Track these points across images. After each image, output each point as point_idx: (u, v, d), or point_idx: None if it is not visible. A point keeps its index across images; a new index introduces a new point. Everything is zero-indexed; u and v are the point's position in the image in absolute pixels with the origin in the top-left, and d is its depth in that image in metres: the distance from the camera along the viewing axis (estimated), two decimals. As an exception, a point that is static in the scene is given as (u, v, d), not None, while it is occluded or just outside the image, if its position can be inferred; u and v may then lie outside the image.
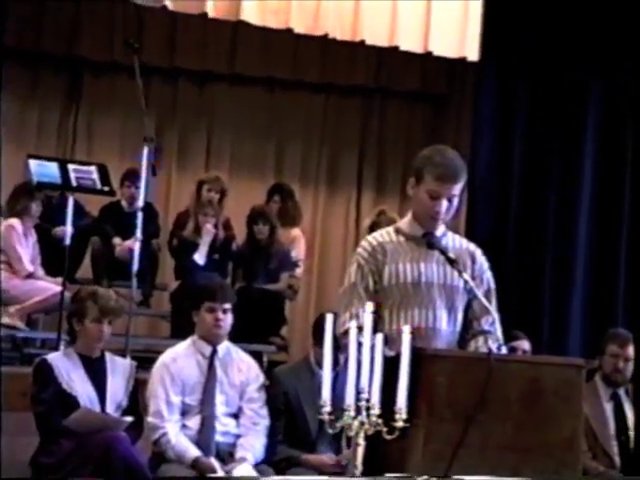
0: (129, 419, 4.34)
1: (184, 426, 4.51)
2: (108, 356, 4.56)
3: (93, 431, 4.22)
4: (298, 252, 7.26)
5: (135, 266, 5.78)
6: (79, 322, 4.45)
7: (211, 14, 7.11)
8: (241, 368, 4.68)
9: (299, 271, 7.24)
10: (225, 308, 4.64)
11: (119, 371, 4.51)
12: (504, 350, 3.28)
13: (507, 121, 6.65)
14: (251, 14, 7.10)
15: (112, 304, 4.50)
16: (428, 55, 7.47)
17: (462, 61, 7.45)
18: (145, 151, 5.82)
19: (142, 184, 5.97)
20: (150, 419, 4.50)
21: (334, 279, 7.85)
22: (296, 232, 7.38)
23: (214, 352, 4.65)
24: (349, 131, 8.64)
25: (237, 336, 4.92)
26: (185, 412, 4.54)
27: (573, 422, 3.04)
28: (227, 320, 4.66)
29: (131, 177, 6.87)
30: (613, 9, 6.54)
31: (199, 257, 6.66)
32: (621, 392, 5.16)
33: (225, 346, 4.70)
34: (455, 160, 3.42)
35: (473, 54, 6.96)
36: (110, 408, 4.40)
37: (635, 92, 6.72)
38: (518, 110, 6.65)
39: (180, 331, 5.86)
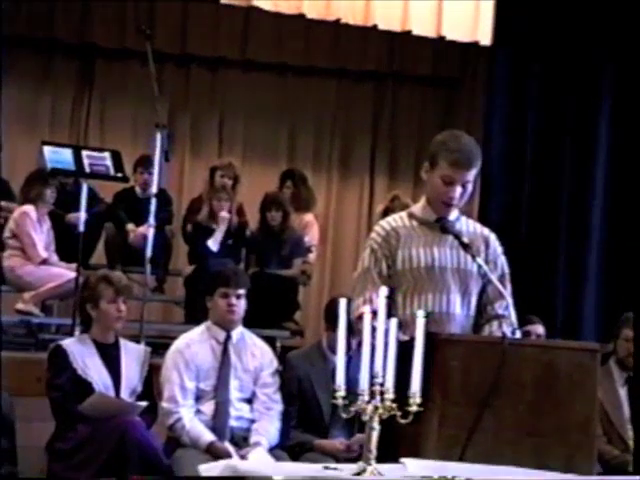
0: (144, 404, 4.36)
1: (198, 411, 4.52)
2: (122, 342, 4.58)
3: (108, 416, 4.24)
4: (311, 237, 7.27)
5: (149, 252, 5.80)
6: (94, 307, 4.47)
7: (223, 0, 7.09)
8: (255, 353, 4.68)
9: (312, 256, 7.24)
10: (239, 294, 4.65)
11: (133, 357, 4.53)
12: (518, 334, 3.28)
13: (520, 105, 6.62)
14: (263, 0, 7.09)
15: (125, 282, 4.55)
16: (440, 40, 7.45)
17: (475, 45, 7.42)
18: (158, 137, 5.83)
19: (155, 170, 5.98)
20: (164, 404, 4.51)
21: (347, 264, 7.86)
22: (309, 217, 7.38)
23: (228, 338, 4.65)
24: (361, 116, 8.63)
25: (251, 321, 4.93)
26: (199, 397, 4.54)
27: (588, 406, 3.04)
28: (241, 306, 4.66)
29: (144, 163, 6.88)
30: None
31: (213, 243, 6.67)
32: (636, 376, 5.15)
33: (239, 331, 4.70)
34: (470, 146, 3.42)
35: (486, 39, 6.94)
36: (125, 394, 4.42)
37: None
38: (531, 94, 6.62)
39: (194, 317, 5.88)
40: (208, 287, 4.77)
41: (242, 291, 4.67)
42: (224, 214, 6.67)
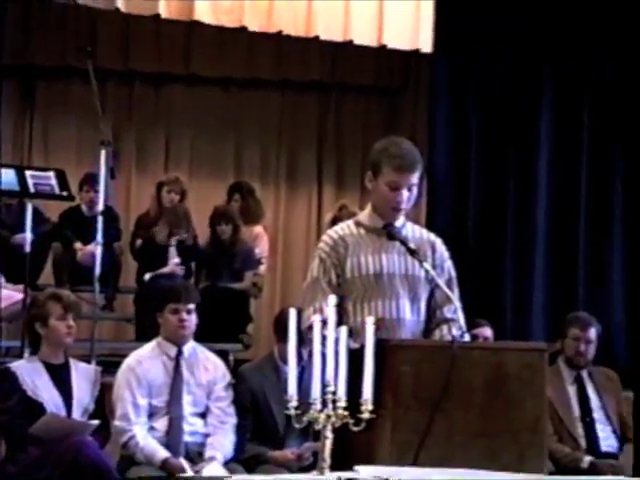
0: (96, 422, 4.33)
1: (152, 428, 4.50)
2: (72, 362, 4.54)
3: (60, 437, 4.19)
4: (261, 249, 7.26)
5: (97, 270, 5.75)
6: (43, 325, 4.43)
7: (164, 15, 7.07)
8: (207, 367, 4.67)
9: (263, 268, 7.24)
10: (189, 309, 4.64)
11: (84, 376, 4.49)
12: (467, 337, 3.31)
13: (463, 111, 6.70)
14: (204, 14, 7.08)
15: (73, 299, 4.52)
16: (382, 49, 7.49)
17: (416, 53, 7.48)
18: (102, 155, 5.79)
19: (101, 188, 5.94)
20: (117, 422, 4.48)
21: (298, 275, 7.86)
22: (258, 229, 7.37)
23: (180, 353, 4.64)
24: (307, 127, 8.65)
25: (203, 336, 4.92)
26: (152, 414, 4.52)
27: (537, 406, 3.06)
28: (192, 320, 4.65)
29: (90, 181, 6.83)
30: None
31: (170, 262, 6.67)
32: (584, 374, 5.20)
33: (191, 346, 4.69)
34: (411, 149, 3.45)
35: (427, 46, 6.99)
36: (76, 413, 4.38)
37: (588, 77, 6.80)
38: (473, 100, 6.70)
39: (144, 333, 5.85)
40: (158, 303, 4.75)
41: (192, 306, 4.66)
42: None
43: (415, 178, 3.42)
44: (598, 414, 5.09)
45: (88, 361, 5.01)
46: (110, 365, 5.11)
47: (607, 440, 5.07)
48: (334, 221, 6.04)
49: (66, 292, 4.68)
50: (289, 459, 4.55)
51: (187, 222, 6.84)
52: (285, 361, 4.17)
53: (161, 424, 4.50)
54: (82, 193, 6.97)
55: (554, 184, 6.75)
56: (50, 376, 4.41)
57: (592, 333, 5.21)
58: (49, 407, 4.32)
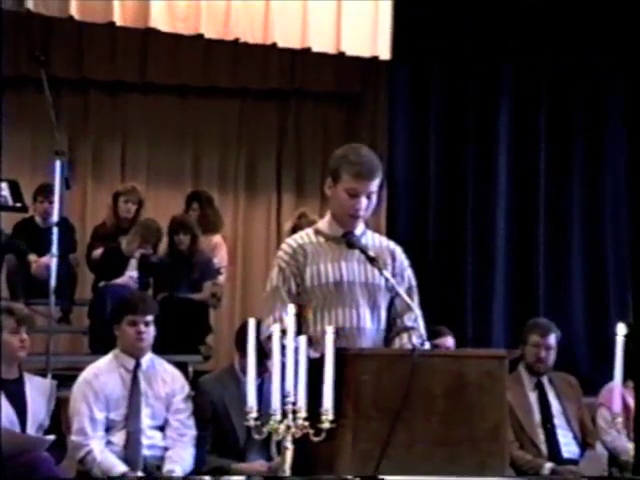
0: (51, 437, 4.25)
1: (109, 442, 4.44)
2: (27, 376, 4.46)
3: (15, 453, 4.11)
4: (220, 259, 7.20)
5: (52, 282, 5.65)
6: (-5, 340, 4.34)
7: (119, 22, 6.99)
8: (166, 380, 4.62)
9: (222, 278, 7.17)
10: (147, 320, 4.59)
11: (39, 391, 4.42)
12: (427, 346, 3.29)
13: (422, 117, 6.70)
14: (160, 21, 7.01)
15: (26, 312, 4.45)
16: (341, 55, 7.48)
17: (375, 60, 7.47)
18: (57, 165, 5.69)
19: (56, 199, 5.84)
20: (74, 437, 4.41)
21: (258, 284, 7.80)
22: (217, 239, 7.31)
23: (137, 365, 4.59)
24: (266, 135, 8.61)
25: (161, 348, 4.85)
26: (110, 428, 4.47)
27: (497, 413, 3.05)
28: (149, 332, 4.60)
29: (44, 192, 6.72)
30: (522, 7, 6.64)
31: (130, 273, 6.60)
32: (545, 380, 5.21)
33: (149, 358, 4.63)
34: (370, 157, 3.44)
35: (385, 53, 6.99)
36: (31, 429, 4.30)
37: (545, 78, 6.84)
38: (432, 106, 6.70)
39: (99, 345, 5.77)
40: (115, 315, 4.69)
41: (150, 318, 4.60)
42: (132, 274, 6.58)
43: (374, 186, 3.42)
44: (559, 420, 5.10)
45: (44, 375, 4.92)
46: (66, 379, 5.02)
47: (568, 446, 5.08)
48: (294, 229, 6.00)
49: (19, 305, 4.62)
50: (258, 471, 4.50)
51: (157, 238, 6.78)
52: (246, 372, 4.11)
53: (119, 438, 4.45)
54: (36, 204, 6.86)
55: (514, 190, 6.77)
56: (4, 392, 4.32)
57: (552, 339, 5.22)
58: (3, 423, 4.23)
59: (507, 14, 6.66)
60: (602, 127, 6.94)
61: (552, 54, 6.81)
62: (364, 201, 3.40)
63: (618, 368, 3.17)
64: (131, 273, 6.62)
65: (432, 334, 4.84)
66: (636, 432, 3.68)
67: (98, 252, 6.88)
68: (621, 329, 3.17)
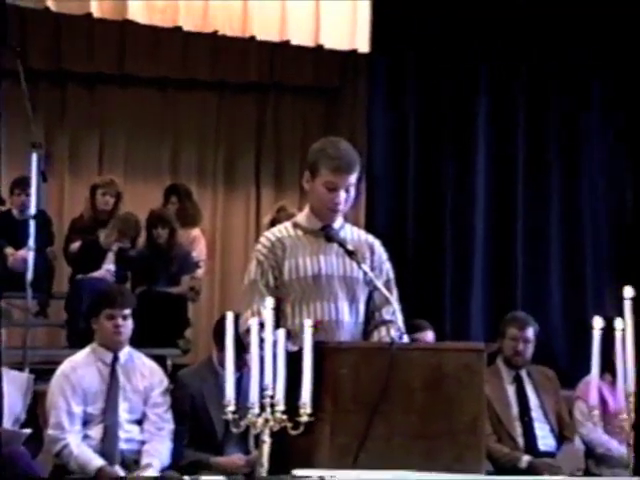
0: (27, 431, 4.23)
1: (86, 436, 4.42)
2: (3, 370, 4.41)
3: (-10, 447, 4.07)
4: (199, 252, 7.18)
5: (29, 276, 5.61)
6: (-29, 335, 4.31)
7: (96, 14, 6.95)
8: (144, 373, 4.61)
9: (200, 272, 7.15)
10: (125, 314, 4.57)
11: (16, 385, 4.39)
12: (405, 339, 3.28)
13: (400, 110, 6.71)
14: (138, 13, 6.98)
15: (3, 306, 4.40)
16: (320, 48, 7.46)
17: (353, 53, 7.46)
18: (34, 157, 5.65)
19: (33, 191, 5.80)
20: (50, 431, 4.39)
21: (237, 278, 7.77)
22: (196, 232, 7.29)
23: (115, 359, 4.57)
24: (245, 128, 8.57)
25: (140, 341, 4.83)
26: (87, 422, 4.45)
27: (475, 406, 3.05)
28: (127, 326, 4.58)
29: (21, 185, 6.67)
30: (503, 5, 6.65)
31: (108, 266, 6.57)
32: (523, 374, 5.23)
33: (127, 352, 4.62)
34: (348, 150, 3.44)
35: (364, 46, 6.99)
36: (7, 423, 4.27)
37: (523, 77, 6.86)
38: (411, 99, 6.71)
39: (76, 339, 5.74)
40: (93, 308, 4.67)
41: (128, 311, 4.58)
42: (109, 267, 6.54)
43: (353, 179, 3.41)
44: (536, 413, 5.11)
45: (21, 369, 4.88)
46: (44, 373, 4.99)
47: (545, 439, 5.09)
48: (273, 223, 5.99)
49: None
50: (237, 464, 4.50)
51: (136, 232, 6.75)
52: (224, 366, 4.10)
53: (96, 432, 4.43)
54: (13, 197, 6.81)
55: (492, 184, 6.79)
56: (-21, 385, 4.28)
57: (530, 332, 5.23)
58: (-22, 417, 4.20)
59: (487, 10, 6.67)
60: (579, 125, 6.97)
61: (530, 54, 6.84)
62: (343, 195, 3.40)
63: (595, 361, 3.18)
64: (108, 266, 6.59)
65: (412, 328, 4.86)
66: (636, 433, 3.70)
67: (76, 245, 6.84)
68: (598, 322, 3.19)
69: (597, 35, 6.77)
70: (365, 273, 3.38)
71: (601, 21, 6.65)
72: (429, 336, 5.14)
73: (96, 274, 6.55)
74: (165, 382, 4.66)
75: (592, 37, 6.78)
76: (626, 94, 6.97)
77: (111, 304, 4.56)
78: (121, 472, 4.31)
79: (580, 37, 6.78)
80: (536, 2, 6.68)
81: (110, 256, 6.62)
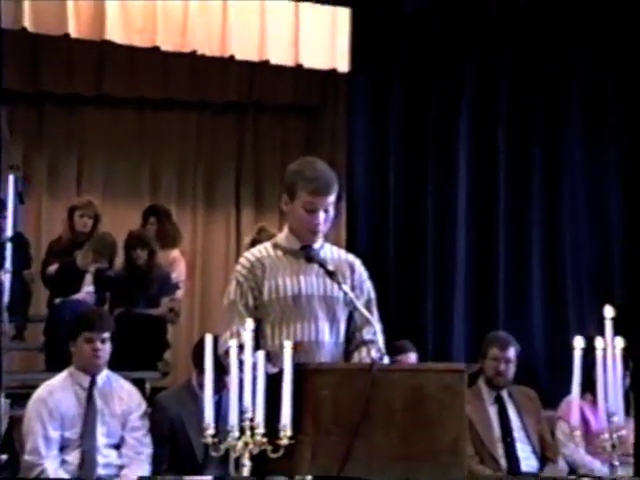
0: (3, 457, 4.14)
1: (64, 461, 4.37)
2: (-22, 395, 4.35)
3: (-35, 474, 4.00)
4: (178, 274, 7.13)
5: (6, 299, 5.54)
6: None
7: (74, 34, 6.91)
8: (122, 397, 4.57)
9: (180, 293, 7.10)
10: (103, 337, 4.54)
11: (-10, 409, 4.31)
12: (386, 360, 3.26)
13: (381, 130, 6.69)
14: (115, 33, 6.94)
15: None
16: (299, 68, 7.45)
17: (333, 72, 7.46)
18: (11, 179, 5.60)
19: (9, 214, 5.74)
20: (27, 457, 4.34)
21: (217, 299, 7.70)
22: (175, 254, 7.24)
23: (93, 383, 4.52)
24: (224, 148, 8.56)
25: (118, 364, 4.78)
26: (64, 447, 4.40)
27: (456, 427, 3.03)
28: (106, 350, 4.54)
29: (-3, 207, 6.61)
30: (480, 18, 6.67)
31: (87, 288, 6.52)
32: (504, 394, 5.20)
33: (104, 375, 4.58)
34: (326, 171, 3.43)
35: (343, 65, 6.98)
36: (-18, 449, 4.19)
37: (505, 95, 6.87)
38: (391, 118, 6.69)
39: (55, 363, 5.67)
40: (71, 332, 4.62)
41: (107, 335, 4.55)
42: (89, 289, 6.50)
43: (331, 199, 3.40)
44: (518, 434, 5.09)
45: (-3, 394, 4.80)
46: (21, 397, 4.92)
47: (527, 460, 5.07)
48: (253, 244, 5.94)
49: None
50: None
51: (112, 252, 6.70)
52: (203, 389, 4.06)
53: (73, 457, 4.39)
54: (-11, 219, 6.75)
55: (474, 204, 6.77)
56: (-46, 410, 4.21)
57: (511, 353, 5.22)
58: (-48, 442, 4.13)
59: (466, 28, 6.69)
60: (561, 135, 6.97)
61: (513, 63, 6.85)
62: (322, 215, 3.38)
63: (576, 381, 3.16)
64: (88, 288, 6.53)
65: (395, 350, 4.83)
66: (637, 435, 3.69)
67: (53, 268, 6.78)
68: (579, 342, 3.17)
69: (584, 36, 6.81)
70: (345, 293, 3.36)
71: (586, 22, 6.68)
72: (412, 358, 5.11)
73: (76, 296, 6.49)
74: (143, 405, 4.63)
75: (580, 38, 6.81)
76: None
77: (89, 327, 4.52)
78: (99, 497, 4.25)
79: (567, 39, 6.80)
80: (520, 23, 6.71)
81: (88, 277, 6.57)
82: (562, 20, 6.63)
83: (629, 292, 6.68)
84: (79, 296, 6.51)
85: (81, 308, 5.90)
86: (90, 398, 4.47)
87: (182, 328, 7.65)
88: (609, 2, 6.47)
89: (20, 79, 7.69)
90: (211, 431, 2.94)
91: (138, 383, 4.99)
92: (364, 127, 6.68)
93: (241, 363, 2.92)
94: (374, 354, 3.26)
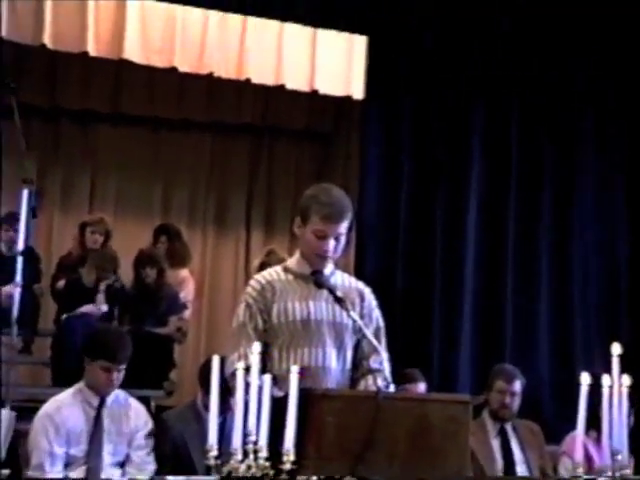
0: (6, 472, 4.14)
1: (67, 478, 4.33)
2: (-16, 407, 4.35)
3: (-33, 487, 4.00)
4: (187, 293, 7.15)
5: (15, 312, 5.56)
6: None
7: (92, 53, 6.96)
8: (130, 415, 4.56)
9: (188, 313, 7.12)
10: (120, 369, 4.51)
11: (-4, 422, 4.31)
12: (392, 388, 3.26)
13: (394, 157, 6.71)
14: (134, 52, 6.99)
15: None
16: (314, 93, 7.50)
17: (348, 99, 7.50)
18: (24, 193, 5.63)
19: (21, 227, 5.77)
20: (31, 473, 4.32)
21: (224, 320, 7.74)
22: (184, 273, 7.27)
23: (102, 402, 4.51)
24: (237, 170, 8.60)
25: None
26: (69, 463, 4.38)
27: (459, 458, 3.03)
28: (120, 378, 4.53)
29: (10, 220, 6.64)
30: (488, 42, 6.72)
31: (98, 305, 6.53)
32: (508, 427, 5.19)
33: (113, 394, 4.56)
34: (341, 199, 3.42)
35: (358, 92, 7.02)
36: (-15, 462, 4.19)
37: (517, 125, 6.89)
38: (404, 146, 6.72)
39: (61, 377, 5.68)
40: (89, 351, 4.58)
41: (124, 366, 4.52)
42: (103, 308, 6.51)
43: (343, 228, 3.40)
44: (521, 468, 5.08)
45: (2, 406, 4.81)
46: (26, 411, 4.92)
47: (528, 495, 5.05)
48: (262, 266, 5.95)
49: None
50: None
51: (114, 265, 6.71)
52: (208, 409, 4.06)
53: (78, 474, 4.36)
54: (1, 232, 6.79)
55: (483, 233, 6.78)
56: (-42, 422, 4.22)
57: (517, 386, 5.21)
58: (-45, 455, 4.13)
59: (480, 55, 6.73)
60: (572, 173, 6.99)
61: (523, 92, 6.88)
62: (332, 243, 3.39)
63: (581, 417, 3.16)
64: (102, 307, 6.54)
65: (404, 378, 4.82)
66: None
67: (62, 283, 6.81)
68: (585, 379, 3.17)
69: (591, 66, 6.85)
70: (354, 321, 3.36)
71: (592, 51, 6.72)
72: (421, 388, 5.11)
73: (83, 309, 6.49)
74: (150, 424, 4.61)
75: (588, 69, 6.86)
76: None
77: (110, 358, 4.47)
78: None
79: (575, 70, 6.84)
80: (531, 42, 6.75)
81: (100, 297, 6.57)
82: (571, 50, 6.69)
83: (636, 329, 6.68)
84: (86, 308, 6.50)
85: (99, 326, 5.90)
86: (98, 417, 4.45)
87: (189, 348, 7.66)
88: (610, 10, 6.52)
89: (38, 94, 7.77)
90: (214, 453, 2.93)
91: (143, 401, 4.98)
92: (377, 154, 6.70)
93: (247, 386, 2.92)
94: (380, 382, 3.27)
